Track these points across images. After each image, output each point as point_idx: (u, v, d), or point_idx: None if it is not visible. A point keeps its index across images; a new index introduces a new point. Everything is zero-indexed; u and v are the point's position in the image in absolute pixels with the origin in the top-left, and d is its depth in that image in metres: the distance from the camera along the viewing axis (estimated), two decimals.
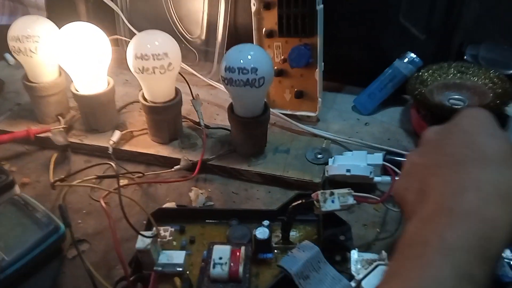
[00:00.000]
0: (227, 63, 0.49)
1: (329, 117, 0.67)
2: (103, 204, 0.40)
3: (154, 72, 0.51)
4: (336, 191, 0.41)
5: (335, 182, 0.54)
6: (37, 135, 0.59)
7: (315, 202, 0.41)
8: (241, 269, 0.39)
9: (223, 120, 0.66)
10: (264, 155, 0.57)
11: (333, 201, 0.40)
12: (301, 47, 0.60)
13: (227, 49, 0.71)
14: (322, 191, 0.41)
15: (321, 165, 0.55)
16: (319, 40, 0.59)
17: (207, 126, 0.60)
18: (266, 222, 0.44)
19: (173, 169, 0.55)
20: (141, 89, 0.56)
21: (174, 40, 0.54)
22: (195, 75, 0.72)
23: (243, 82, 0.49)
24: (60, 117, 0.62)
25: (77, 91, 0.57)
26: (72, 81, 0.58)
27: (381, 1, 0.65)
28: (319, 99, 0.63)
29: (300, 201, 0.41)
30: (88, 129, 0.61)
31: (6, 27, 0.89)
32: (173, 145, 0.59)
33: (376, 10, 0.65)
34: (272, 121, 0.63)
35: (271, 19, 0.62)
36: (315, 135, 0.62)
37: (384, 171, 0.53)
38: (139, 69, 0.51)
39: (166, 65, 0.52)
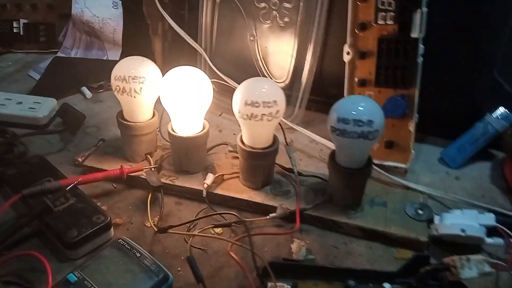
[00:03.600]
0: (340, 114, 0.48)
1: (417, 169, 0.65)
2: (233, 255, 0.39)
3: (262, 119, 0.51)
4: (471, 257, 0.39)
5: (440, 242, 0.52)
6: (129, 174, 0.58)
7: (451, 268, 0.39)
8: None
9: (307, 166, 0.65)
10: (362, 207, 0.55)
11: (470, 268, 0.38)
12: (398, 98, 0.60)
13: (311, 94, 0.72)
14: (458, 256, 0.39)
15: (423, 221, 0.53)
16: (417, 92, 0.59)
17: (300, 173, 0.59)
18: (387, 285, 0.42)
19: (268, 217, 0.54)
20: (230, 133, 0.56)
21: (280, 87, 0.53)
22: None
23: (357, 134, 0.48)
24: (148, 156, 0.62)
25: (174, 131, 0.57)
26: (169, 122, 0.58)
27: (477, 56, 0.64)
28: (412, 151, 0.61)
29: (434, 266, 0.39)
30: (178, 170, 0.60)
31: (82, 60, 0.92)
32: (265, 191, 0.58)
33: (471, 64, 0.65)
34: None
35: (365, 68, 0.62)
36: (407, 188, 0.60)
37: (493, 232, 0.51)
38: (247, 115, 0.51)
39: (274, 112, 0.51)
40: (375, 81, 0.61)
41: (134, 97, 0.56)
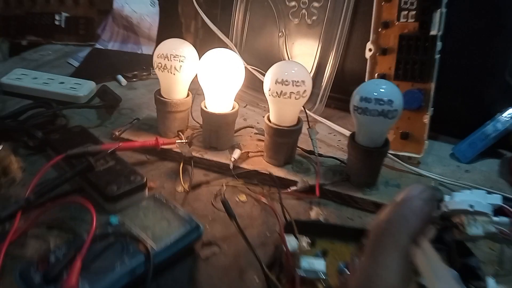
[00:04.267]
0: (363, 94, 0.53)
1: (429, 161, 0.69)
2: (264, 199, 0.43)
3: (290, 97, 0.56)
4: (478, 217, 0.43)
5: (448, 219, 0.56)
6: (163, 146, 0.63)
7: (459, 226, 0.42)
8: None
9: (325, 153, 0.69)
10: (377, 187, 0.59)
11: (476, 227, 0.42)
12: (415, 91, 0.64)
13: (331, 91, 0.77)
14: (466, 215, 0.43)
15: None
16: (433, 86, 0.64)
17: (320, 155, 0.63)
18: None
19: (289, 190, 0.58)
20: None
21: (307, 71, 0.59)
22: None
23: (378, 112, 0.52)
24: (180, 133, 0.67)
25: (207, 108, 0.62)
26: (203, 100, 0.63)
27: (490, 59, 0.69)
28: (426, 142, 0.66)
29: (443, 224, 0.43)
30: (206, 146, 0.65)
31: (118, 52, 0.98)
32: (287, 168, 0.62)
33: (483, 66, 0.70)
34: None
35: (385, 64, 0.67)
36: (420, 175, 0.64)
37: (499, 212, 0.55)
38: (276, 93, 0.56)
39: (301, 91, 0.56)
40: (394, 75, 0.66)
41: (174, 74, 0.61)
